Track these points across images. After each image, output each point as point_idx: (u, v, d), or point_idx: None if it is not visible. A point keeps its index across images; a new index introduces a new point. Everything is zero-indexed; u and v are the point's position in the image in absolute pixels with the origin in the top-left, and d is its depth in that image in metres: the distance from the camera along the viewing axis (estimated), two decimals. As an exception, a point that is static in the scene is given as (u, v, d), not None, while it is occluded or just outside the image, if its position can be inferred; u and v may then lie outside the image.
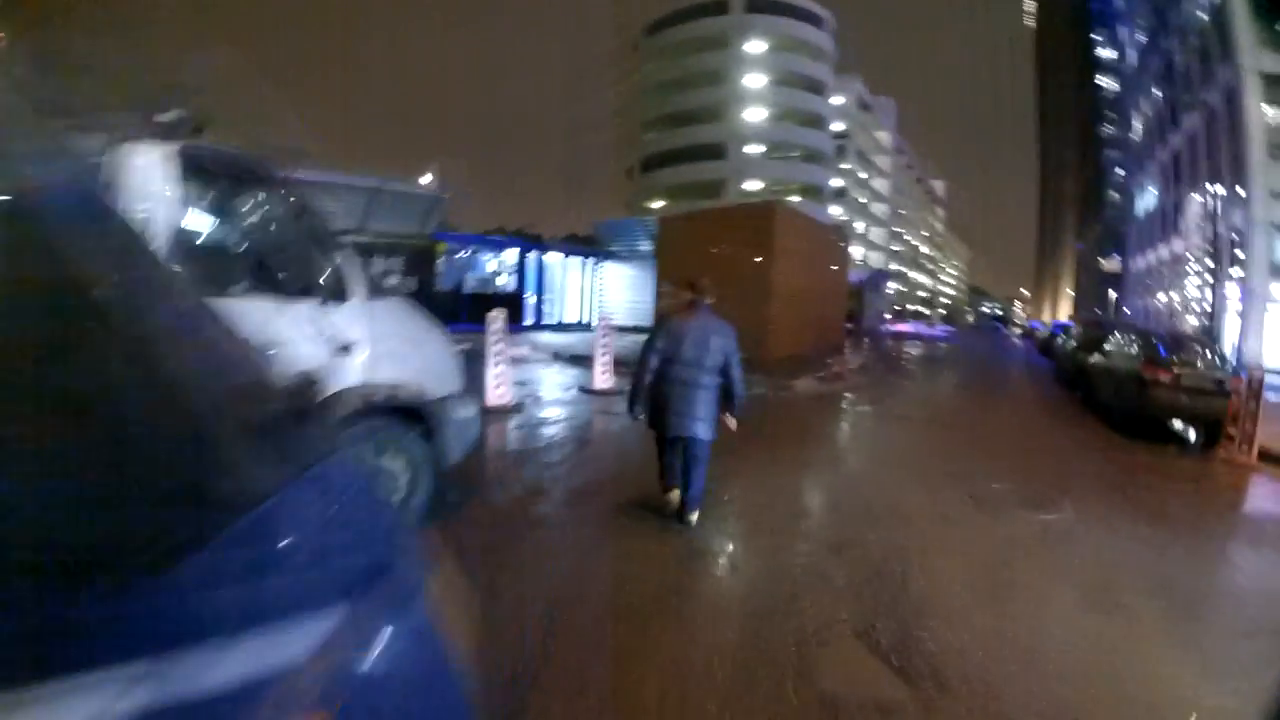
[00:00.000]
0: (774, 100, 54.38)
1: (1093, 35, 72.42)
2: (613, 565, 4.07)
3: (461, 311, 20.09)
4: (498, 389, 9.23)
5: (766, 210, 17.59)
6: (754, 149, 52.98)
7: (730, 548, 4.59)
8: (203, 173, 3.40)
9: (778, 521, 5.11)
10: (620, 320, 22.81)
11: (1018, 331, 70.59)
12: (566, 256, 22.95)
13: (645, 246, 22.02)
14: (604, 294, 23.68)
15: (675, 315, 4.90)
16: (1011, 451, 8.58)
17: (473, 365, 9.60)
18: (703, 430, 4.62)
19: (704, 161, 51.44)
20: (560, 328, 22.49)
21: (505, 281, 21.73)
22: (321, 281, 3.81)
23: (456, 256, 20.64)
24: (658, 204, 50.29)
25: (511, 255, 21.73)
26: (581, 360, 12.06)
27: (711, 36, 53.82)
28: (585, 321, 23.49)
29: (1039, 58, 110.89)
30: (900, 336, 34.94)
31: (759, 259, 16.86)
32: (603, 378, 11.30)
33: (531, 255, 21.71)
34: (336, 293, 3.86)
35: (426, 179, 19.80)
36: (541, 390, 11.24)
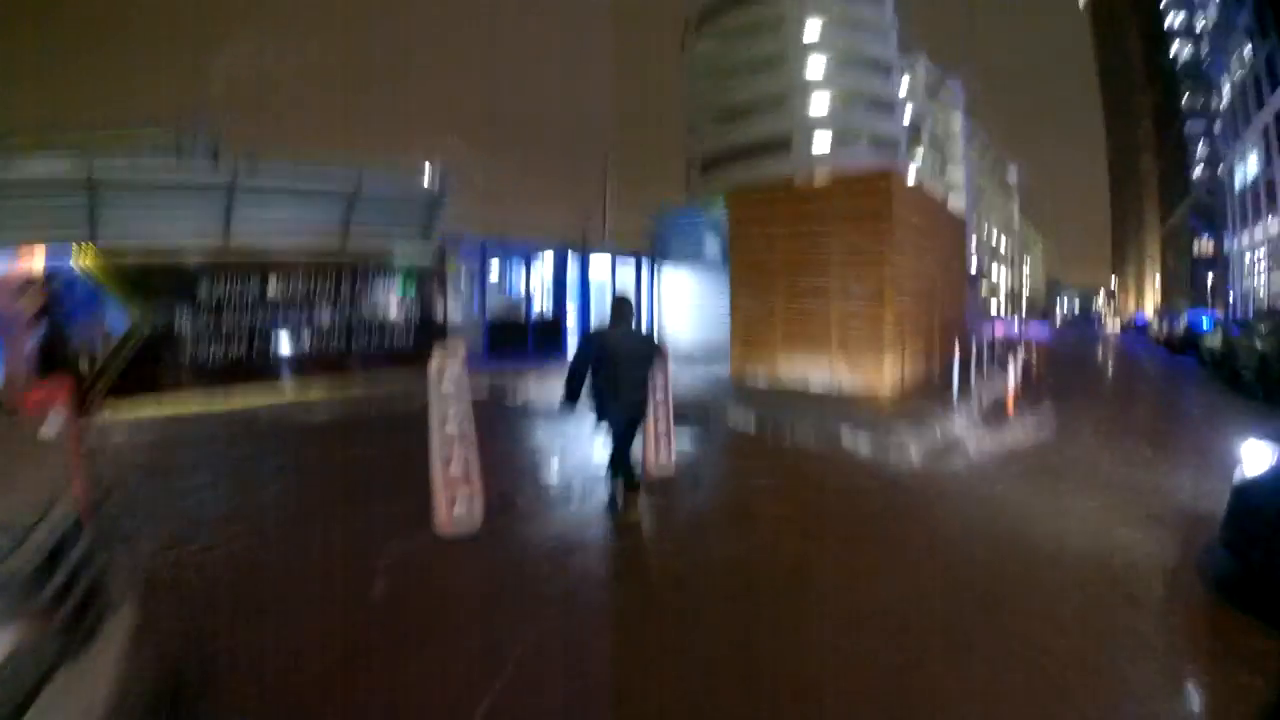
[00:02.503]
0: (838, 84, 49.38)
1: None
2: None
3: (484, 344, 16.00)
4: (451, 508, 5.02)
5: (880, 183, 12.71)
6: (821, 139, 47.96)
7: None
8: None
9: None
10: (689, 337, 18.41)
11: (1115, 326, 63.56)
12: (617, 262, 18.52)
13: (713, 244, 17.48)
14: (666, 307, 19.17)
15: (606, 328, 5.65)
16: None
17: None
18: (641, 417, 5.84)
19: (768, 156, 46.55)
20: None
21: (540, 298, 17.46)
22: None
23: (479, 270, 16.48)
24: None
25: (548, 264, 17.46)
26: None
27: (765, 21, 49.28)
28: (643, 343, 19.08)
29: (1097, 25, 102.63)
30: (1011, 340, 29.53)
31: (871, 252, 12.13)
32: (659, 450, 6.80)
33: (572, 263, 17.38)
34: None
35: (425, 175, 15.58)
36: (549, 479, 6.94)
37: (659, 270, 19.08)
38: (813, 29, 49.42)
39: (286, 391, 12.40)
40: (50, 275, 10.49)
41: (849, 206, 12.42)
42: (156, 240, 12.04)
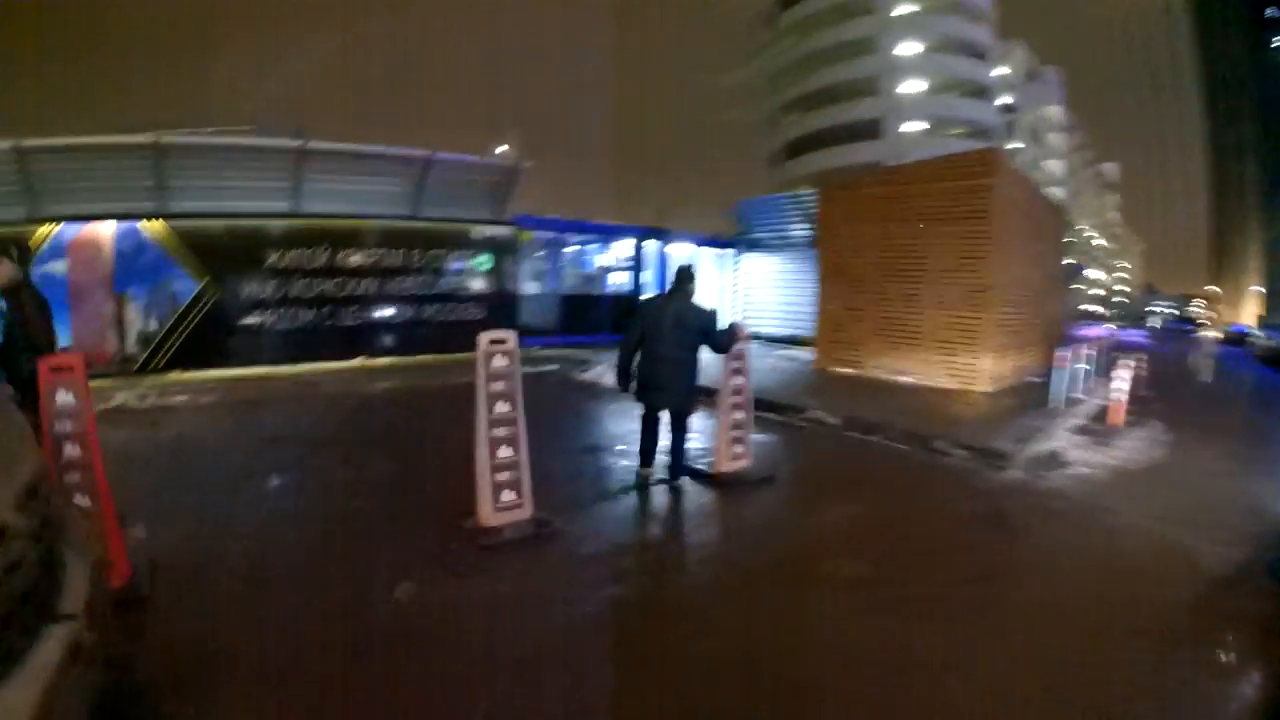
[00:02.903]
0: (931, 69, 47.27)
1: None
2: None
3: (558, 319, 15.79)
4: (495, 497, 4.59)
5: (982, 163, 11.74)
6: (913, 126, 46.14)
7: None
8: None
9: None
10: (772, 328, 17.83)
11: (1212, 335, 59.73)
12: (698, 247, 18.05)
13: (800, 231, 16.81)
14: (747, 294, 18.58)
15: (657, 299, 5.62)
16: None
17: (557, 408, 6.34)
18: (686, 403, 5.49)
19: (857, 143, 44.97)
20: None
21: (619, 280, 17.11)
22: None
23: (555, 251, 16.26)
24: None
25: (625, 247, 17.11)
26: (710, 396, 7.03)
27: (855, 2, 47.49)
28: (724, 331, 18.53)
29: (1198, 20, 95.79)
30: (1107, 344, 27.69)
31: (970, 239, 11.32)
32: (735, 442, 6.22)
33: (651, 246, 16.98)
34: None
35: (500, 150, 15.32)
36: (607, 465, 6.50)
37: (742, 253, 18.51)
38: (906, 9, 47.44)
39: (354, 361, 12.41)
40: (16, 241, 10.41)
41: (946, 190, 11.61)
42: (225, 208, 12.11)
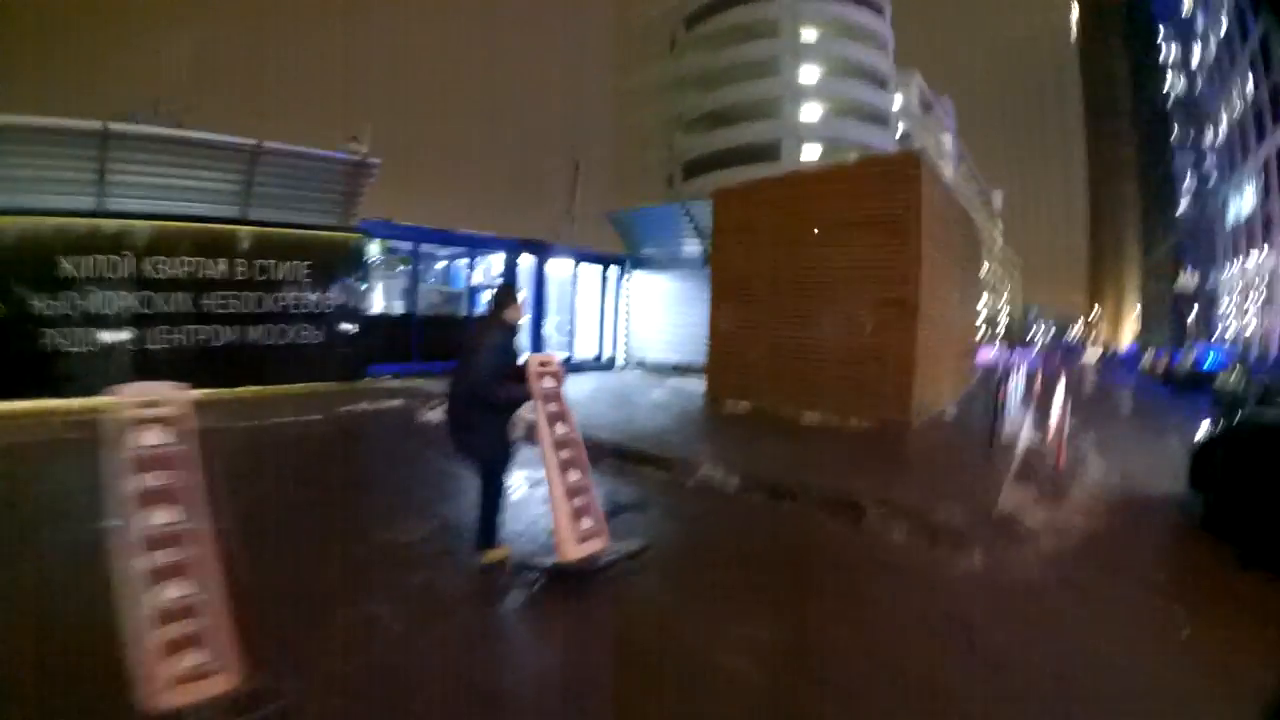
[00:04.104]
0: (830, 93, 47.32)
1: (1152, 29, 64.90)
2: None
3: (414, 343, 13.42)
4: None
5: (903, 167, 10.17)
6: (811, 149, 45.84)
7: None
8: None
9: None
10: (661, 355, 15.93)
11: (1097, 354, 63.24)
12: (578, 264, 15.91)
13: (692, 246, 14.99)
14: (634, 317, 16.62)
15: (471, 324, 5.39)
16: None
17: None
18: (488, 452, 4.32)
19: (755, 164, 44.22)
20: (570, 368, 15.53)
21: (487, 300, 14.79)
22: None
23: (413, 264, 13.84)
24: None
25: (496, 262, 14.83)
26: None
27: (758, 24, 47.15)
28: (607, 358, 16.41)
29: (1086, 57, 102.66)
30: (1008, 368, 27.27)
31: (889, 256, 9.63)
32: (581, 526, 4.20)
33: (527, 261, 14.71)
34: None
35: (352, 147, 12.64)
36: (415, 571, 4.02)
37: (629, 271, 16.52)
38: (808, 34, 47.40)
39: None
40: None
41: (862, 199, 9.88)
42: (17, 203, 9.56)
